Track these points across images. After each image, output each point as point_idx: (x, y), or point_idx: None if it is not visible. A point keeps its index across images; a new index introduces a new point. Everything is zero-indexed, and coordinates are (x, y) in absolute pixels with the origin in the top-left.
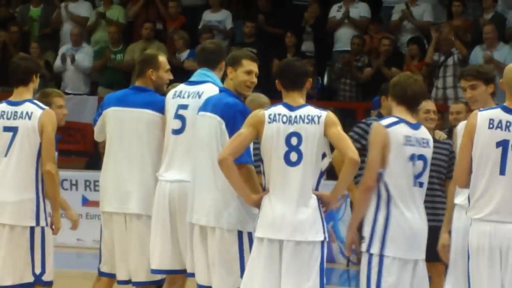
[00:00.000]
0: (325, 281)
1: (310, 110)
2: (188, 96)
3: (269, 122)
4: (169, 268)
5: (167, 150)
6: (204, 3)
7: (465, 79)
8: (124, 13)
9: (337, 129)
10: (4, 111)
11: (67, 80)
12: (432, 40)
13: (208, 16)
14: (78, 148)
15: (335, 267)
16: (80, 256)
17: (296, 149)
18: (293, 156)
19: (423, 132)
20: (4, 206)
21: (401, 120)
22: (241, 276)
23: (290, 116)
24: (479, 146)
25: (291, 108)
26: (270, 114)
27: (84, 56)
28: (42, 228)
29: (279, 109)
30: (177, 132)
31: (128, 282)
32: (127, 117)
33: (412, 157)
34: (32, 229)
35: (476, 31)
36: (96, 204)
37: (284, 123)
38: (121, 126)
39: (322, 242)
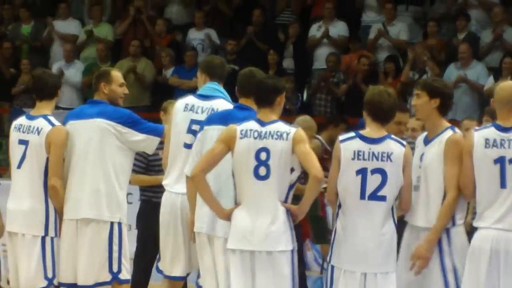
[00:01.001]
0: None
1: (280, 126)
2: (203, 112)
3: (241, 138)
4: (179, 275)
5: (177, 163)
6: (189, 22)
7: (415, 88)
8: (113, 30)
9: (304, 146)
10: (21, 124)
11: (60, 95)
12: (408, 59)
13: (193, 34)
14: None
15: (310, 274)
16: None
17: (265, 163)
18: (262, 171)
19: (385, 146)
20: (16, 215)
21: (357, 135)
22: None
23: (261, 132)
24: (477, 165)
25: (262, 123)
26: (242, 130)
27: (76, 72)
28: (52, 238)
29: (251, 124)
30: (189, 146)
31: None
32: (81, 128)
33: (362, 171)
34: (43, 238)
35: (450, 50)
36: None
37: (255, 138)
38: (77, 137)
39: (292, 251)
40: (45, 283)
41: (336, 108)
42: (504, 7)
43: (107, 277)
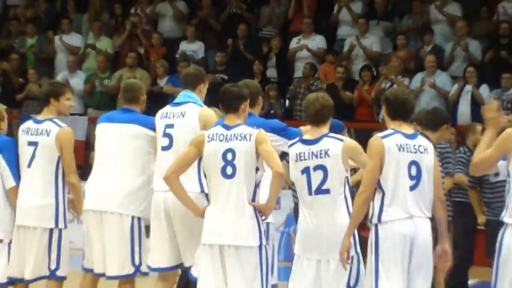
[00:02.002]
0: (267, 283)
1: (243, 129)
2: (173, 117)
3: (208, 141)
4: (166, 266)
5: (158, 164)
6: (181, 35)
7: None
8: (111, 43)
9: (267, 145)
10: (29, 128)
11: None
12: (381, 74)
13: (184, 47)
14: None
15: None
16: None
17: (231, 163)
18: (229, 170)
19: (321, 145)
20: (29, 210)
21: (299, 140)
22: None
23: (226, 135)
24: None
25: (227, 128)
26: (209, 134)
27: (79, 81)
28: (60, 230)
29: (218, 129)
30: (165, 148)
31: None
32: (113, 130)
33: (305, 170)
34: (51, 230)
35: (418, 61)
36: None
37: (221, 141)
38: (106, 137)
39: (260, 247)
40: (47, 273)
41: None
42: (467, 22)
43: (131, 269)
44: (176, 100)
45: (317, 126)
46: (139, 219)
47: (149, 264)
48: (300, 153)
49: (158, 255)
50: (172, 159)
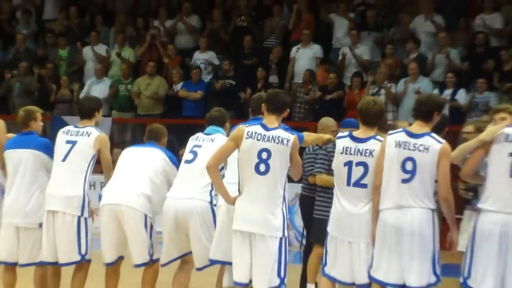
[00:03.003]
0: (285, 269)
1: (281, 133)
2: (203, 140)
3: (247, 138)
4: (177, 256)
5: (179, 176)
6: (195, 46)
7: None
8: (133, 53)
9: (297, 154)
10: (69, 130)
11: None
12: (368, 80)
13: (197, 55)
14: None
15: (291, 250)
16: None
17: (265, 162)
18: (262, 167)
19: (368, 145)
20: (59, 197)
21: (348, 135)
22: None
23: (264, 135)
24: (496, 157)
25: (266, 129)
26: (248, 132)
27: (105, 87)
28: (86, 218)
29: (257, 128)
30: (188, 162)
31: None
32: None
33: (348, 164)
34: (79, 218)
35: (404, 68)
36: None
37: (258, 140)
38: (135, 151)
39: (280, 239)
40: (78, 257)
41: (312, 114)
42: (448, 33)
43: (147, 258)
44: (205, 131)
45: (368, 127)
46: (150, 217)
47: (162, 261)
48: (346, 147)
49: (168, 251)
50: (192, 171)
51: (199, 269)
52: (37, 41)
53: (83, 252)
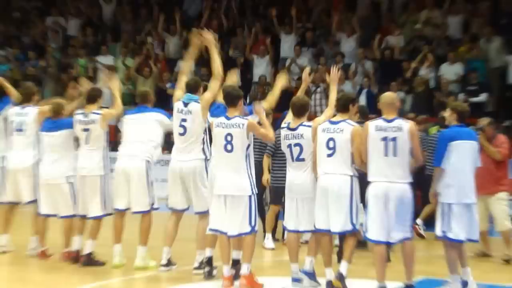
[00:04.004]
0: (255, 220)
1: (238, 120)
2: (184, 112)
3: (216, 127)
4: (180, 208)
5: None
6: (180, 56)
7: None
8: (133, 62)
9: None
10: (81, 120)
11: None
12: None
13: (180, 63)
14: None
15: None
16: None
17: (230, 142)
18: (228, 147)
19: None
20: (84, 164)
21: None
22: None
23: (227, 123)
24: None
25: (228, 118)
26: (216, 122)
27: None
28: (105, 176)
29: (221, 119)
30: (181, 134)
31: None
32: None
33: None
34: (101, 176)
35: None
36: None
37: (223, 127)
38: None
39: (250, 196)
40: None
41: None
42: (364, 49)
43: (147, 206)
44: (183, 100)
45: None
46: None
47: (169, 205)
48: (286, 135)
49: (175, 201)
50: (178, 140)
51: (197, 213)
52: (62, 52)
53: (107, 208)
